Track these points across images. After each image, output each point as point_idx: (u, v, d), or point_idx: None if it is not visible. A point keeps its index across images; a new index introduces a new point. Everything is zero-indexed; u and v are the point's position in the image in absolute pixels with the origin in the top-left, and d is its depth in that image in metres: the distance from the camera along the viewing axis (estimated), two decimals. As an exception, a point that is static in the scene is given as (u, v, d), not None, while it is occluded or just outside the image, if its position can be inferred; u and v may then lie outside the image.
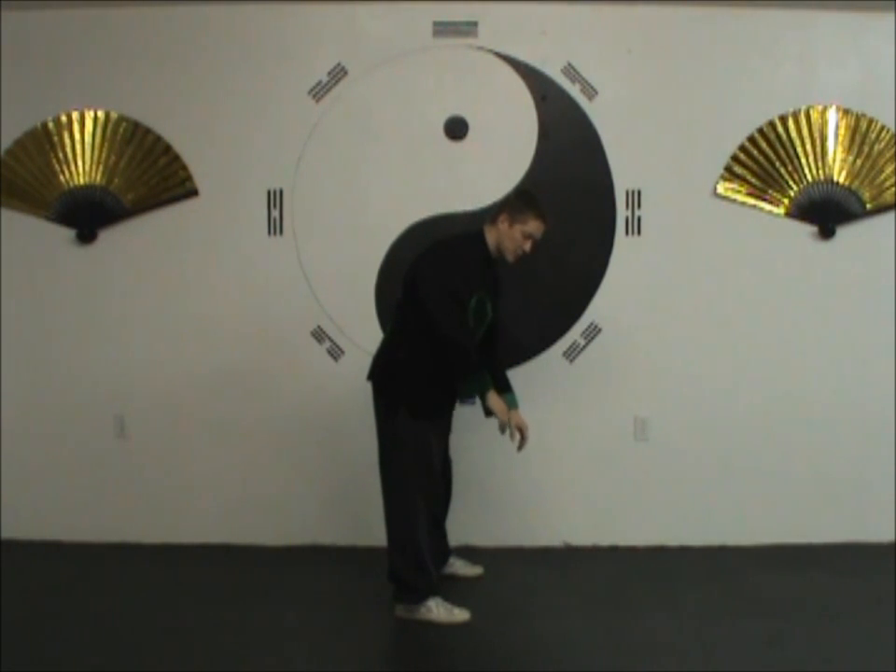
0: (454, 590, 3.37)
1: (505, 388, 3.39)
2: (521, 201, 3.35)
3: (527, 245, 3.30)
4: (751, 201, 4.16)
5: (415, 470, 3.18)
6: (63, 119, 4.13)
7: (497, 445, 4.05)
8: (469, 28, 4.10)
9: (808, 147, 4.13)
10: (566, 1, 4.09)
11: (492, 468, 4.05)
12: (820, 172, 4.14)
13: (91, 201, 4.14)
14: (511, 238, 3.27)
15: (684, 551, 4.06)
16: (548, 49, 4.11)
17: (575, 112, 4.12)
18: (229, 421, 4.15)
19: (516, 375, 4.07)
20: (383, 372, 3.28)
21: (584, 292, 4.15)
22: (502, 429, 3.23)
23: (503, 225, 3.27)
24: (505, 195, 3.47)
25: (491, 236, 3.31)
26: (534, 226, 3.28)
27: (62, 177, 4.15)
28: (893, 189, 4.14)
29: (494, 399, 3.16)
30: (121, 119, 4.13)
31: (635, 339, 4.13)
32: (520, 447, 3.27)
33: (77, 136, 4.13)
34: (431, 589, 3.20)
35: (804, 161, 4.14)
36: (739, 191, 4.15)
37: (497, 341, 3.49)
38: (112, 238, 4.18)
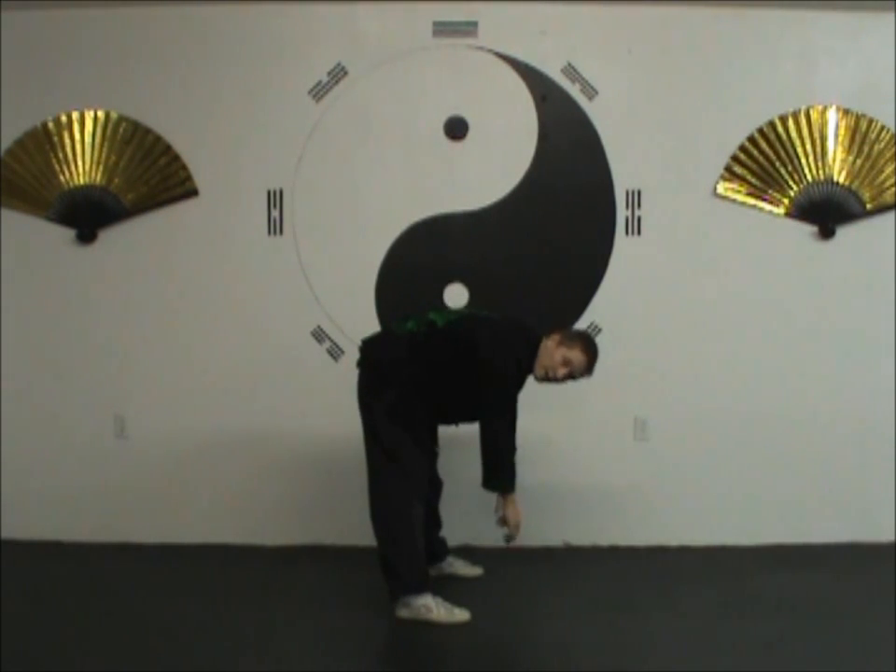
0: (454, 590, 3.37)
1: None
2: (579, 334, 3.44)
3: (561, 372, 3.24)
4: (751, 201, 4.16)
5: (393, 460, 3.18)
6: (63, 119, 4.13)
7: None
8: (468, 28, 4.10)
9: (808, 146, 4.13)
10: (566, 1, 4.09)
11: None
12: (820, 172, 4.14)
13: (90, 201, 4.14)
14: (551, 356, 3.24)
15: (684, 551, 4.06)
16: (548, 48, 4.11)
17: (575, 112, 4.12)
18: (228, 421, 4.15)
19: (516, 375, 4.10)
20: (380, 375, 3.28)
21: (584, 292, 4.15)
22: (507, 539, 3.29)
23: (551, 342, 3.26)
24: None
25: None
26: (576, 357, 3.23)
27: (62, 177, 4.14)
28: (893, 189, 4.14)
29: (512, 505, 3.22)
30: (121, 118, 4.13)
31: (635, 339, 4.13)
32: (508, 540, 3.31)
33: (77, 136, 4.13)
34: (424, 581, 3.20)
35: (804, 161, 4.14)
36: (739, 191, 4.15)
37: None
38: (112, 238, 4.18)
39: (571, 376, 3.27)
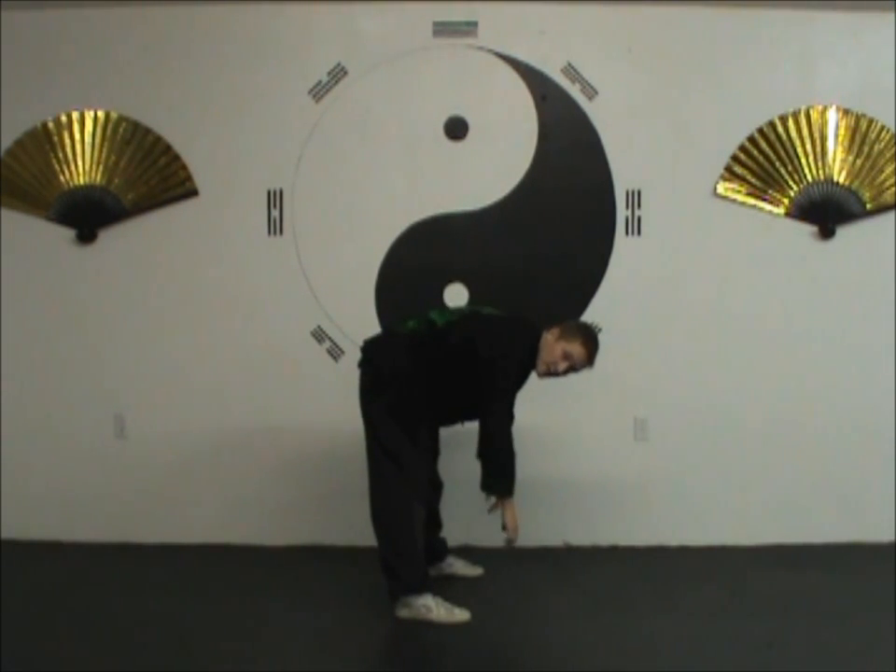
0: (454, 590, 3.37)
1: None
2: (578, 326, 3.40)
3: (562, 366, 3.23)
4: (751, 201, 4.16)
5: (393, 460, 3.18)
6: (63, 118, 4.13)
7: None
8: (468, 28, 4.10)
9: (808, 146, 4.13)
10: (566, 1, 4.09)
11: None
12: (820, 172, 4.14)
13: (91, 201, 4.14)
14: (551, 351, 3.23)
15: (684, 551, 4.06)
16: (548, 48, 4.11)
17: (575, 112, 4.12)
18: (228, 421, 4.15)
19: (516, 375, 4.10)
20: (381, 375, 3.28)
21: (584, 292, 4.15)
22: (508, 542, 3.25)
23: (550, 336, 3.26)
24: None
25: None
26: (577, 350, 3.23)
27: (62, 177, 4.15)
28: (893, 189, 4.14)
29: (511, 510, 3.18)
30: (121, 118, 4.13)
31: (635, 339, 4.13)
32: (509, 543, 3.27)
33: (77, 136, 4.13)
34: (422, 580, 3.19)
35: (804, 160, 4.14)
36: (739, 191, 4.15)
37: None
38: (112, 238, 4.18)
39: (573, 369, 3.27)
